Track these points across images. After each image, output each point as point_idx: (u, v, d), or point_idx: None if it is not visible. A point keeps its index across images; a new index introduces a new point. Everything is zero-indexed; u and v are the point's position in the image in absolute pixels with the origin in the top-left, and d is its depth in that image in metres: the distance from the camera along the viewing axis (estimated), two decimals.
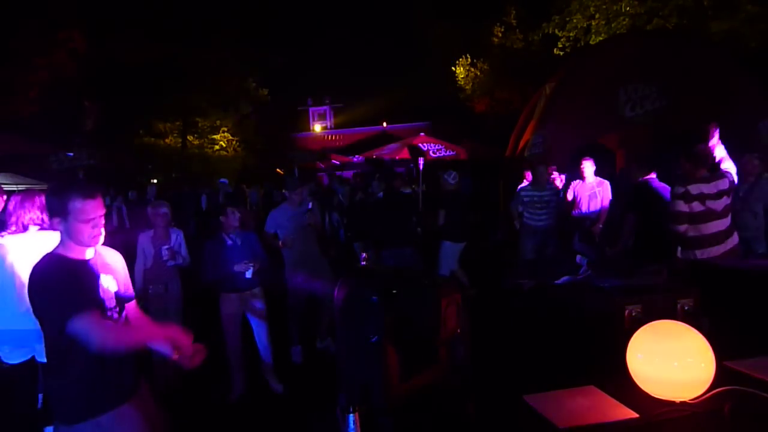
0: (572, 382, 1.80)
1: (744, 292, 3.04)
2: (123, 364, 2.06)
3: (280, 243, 4.92)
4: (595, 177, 6.42)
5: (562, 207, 6.44)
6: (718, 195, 3.80)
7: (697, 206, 3.77)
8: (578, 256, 4.82)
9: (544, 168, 6.41)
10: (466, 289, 5.88)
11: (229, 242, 4.13)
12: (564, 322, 2.81)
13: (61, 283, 1.89)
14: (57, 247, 2.02)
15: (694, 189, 3.77)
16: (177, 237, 4.48)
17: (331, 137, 25.62)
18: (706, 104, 7.50)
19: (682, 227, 3.81)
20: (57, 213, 1.96)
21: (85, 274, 1.99)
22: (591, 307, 2.60)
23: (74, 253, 2.01)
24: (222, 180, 12.31)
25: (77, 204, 1.93)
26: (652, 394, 1.67)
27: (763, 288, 2.96)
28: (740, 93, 7.59)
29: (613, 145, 10.40)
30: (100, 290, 2.02)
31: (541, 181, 6.29)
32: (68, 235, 1.98)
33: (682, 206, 3.77)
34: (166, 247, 4.33)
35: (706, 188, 3.77)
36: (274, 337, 4.43)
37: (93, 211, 1.97)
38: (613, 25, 12.12)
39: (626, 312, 2.28)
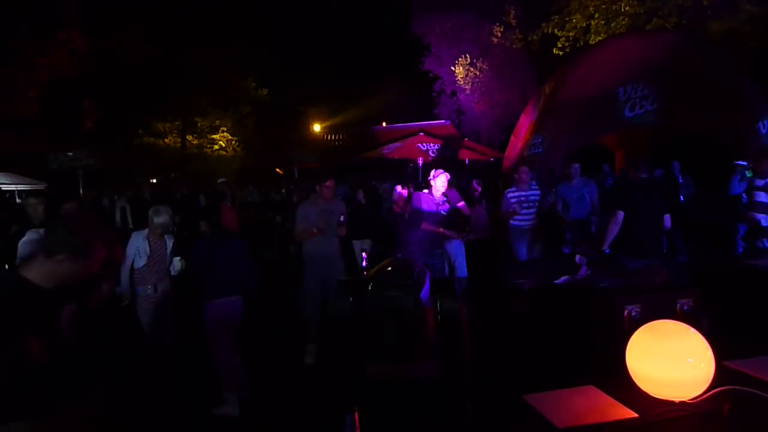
0: (572, 382, 1.80)
1: (744, 292, 3.05)
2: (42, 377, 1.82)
3: (314, 230, 4.75)
4: (581, 178, 6.65)
5: (545, 206, 6.56)
6: None
7: None
8: (578, 256, 4.85)
9: (526, 169, 6.45)
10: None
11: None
12: (564, 322, 2.81)
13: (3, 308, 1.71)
14: (27, 267, 1.82)
15: None
16: (170, 243, 4.43)
17: (331, 137, 25.61)
18: (705, 104, 7.51)
19: (761, 215, 4.44)
20: (70, 251, 1.79)
21: (39, 304, 1.80)
22: (591, 307, 2.60)
23: (43, 281, 1.80)
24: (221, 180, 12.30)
25: (98, 252, 1.83)
26: (652, 394, 1.67)
27: (763, 288, 2.97)
28: (740, 93, 7.59)
29: (612, 145, 10.42)
30: (57, 320, 1.87)
31: (525, 181, 6.33)
32: (58, 271, 1.81)
33: (763, 197, 4.42)
34: (178, 258, 4.29)
35: None
36: (277, 340, 4.40)
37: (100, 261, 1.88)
38: (612, 25, 12.14)
39: (626, 312, 2.29)
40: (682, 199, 6.79)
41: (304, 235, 4.90)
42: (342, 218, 4.92)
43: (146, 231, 4.32)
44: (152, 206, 4.49)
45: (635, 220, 4.69)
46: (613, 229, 4.72)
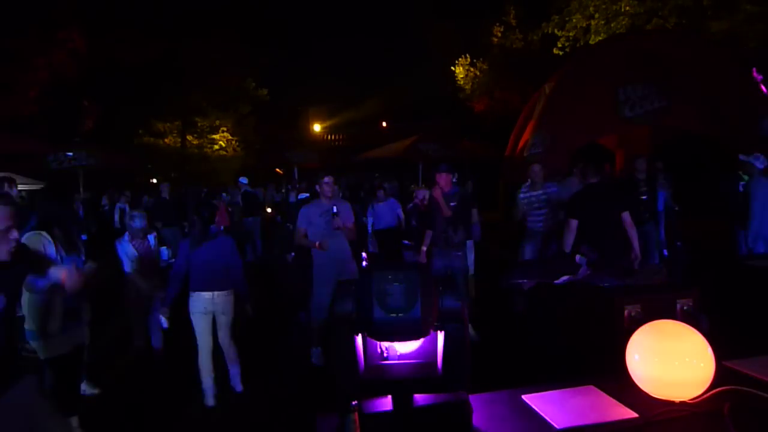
0: (572, 382, 1.80)
1: (744, 292, 3.05)
2: None
3: (317, 244, 4.65)
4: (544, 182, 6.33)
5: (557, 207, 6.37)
6: None
7: None
8: (578, 256, 4.84)
9: (539, 167, 6.17)
10: None
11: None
12: (564, 322, 2.82)
13: None
14: None
15: None
16: (152, 239, 4.64)
17: (331, 137, 25.63)
18: (705, 104, 7.51)
19: None
20: None
21: None
22: (591, 307, 2.61)
23: None
24: (241, 179, 12.22)
25: None
26: (652, 394, 1.67)
27: (763, 288, 2.97)
28: (740, 93, 7.59)
29: (612, 145, 10.42)
30: None
31: (536, 181, 6.08)
32: None
33: None
34: (164, 248, 4.43)
35: None
36: (281, 340, 4.42)
37: None
38: (612, 25, 12.13)
39: (626, 312, 2.29)
40: (662, 198, 6.64)
41: (304, 241, 4.81)
42: (334, 209, 4.69)
43: (127, 236, 4.49)
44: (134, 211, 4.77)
45: (589, 227, 4.59)
46: (569, 237, 4.64)
